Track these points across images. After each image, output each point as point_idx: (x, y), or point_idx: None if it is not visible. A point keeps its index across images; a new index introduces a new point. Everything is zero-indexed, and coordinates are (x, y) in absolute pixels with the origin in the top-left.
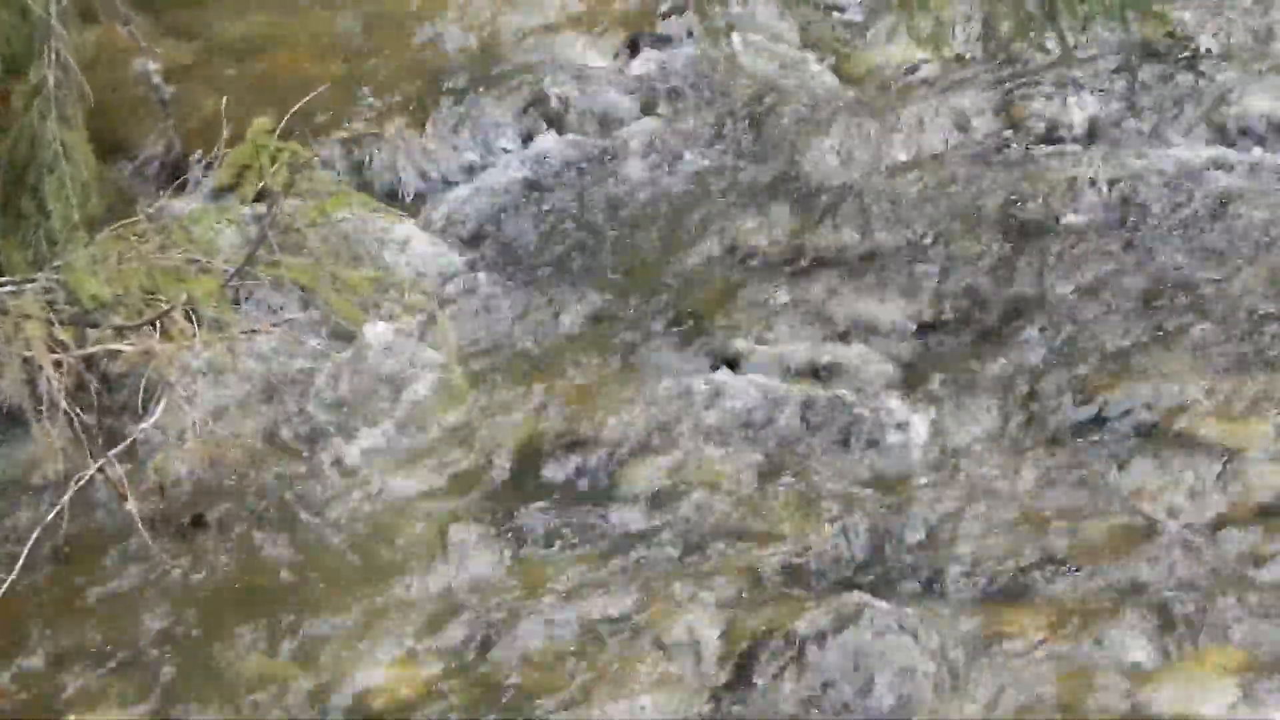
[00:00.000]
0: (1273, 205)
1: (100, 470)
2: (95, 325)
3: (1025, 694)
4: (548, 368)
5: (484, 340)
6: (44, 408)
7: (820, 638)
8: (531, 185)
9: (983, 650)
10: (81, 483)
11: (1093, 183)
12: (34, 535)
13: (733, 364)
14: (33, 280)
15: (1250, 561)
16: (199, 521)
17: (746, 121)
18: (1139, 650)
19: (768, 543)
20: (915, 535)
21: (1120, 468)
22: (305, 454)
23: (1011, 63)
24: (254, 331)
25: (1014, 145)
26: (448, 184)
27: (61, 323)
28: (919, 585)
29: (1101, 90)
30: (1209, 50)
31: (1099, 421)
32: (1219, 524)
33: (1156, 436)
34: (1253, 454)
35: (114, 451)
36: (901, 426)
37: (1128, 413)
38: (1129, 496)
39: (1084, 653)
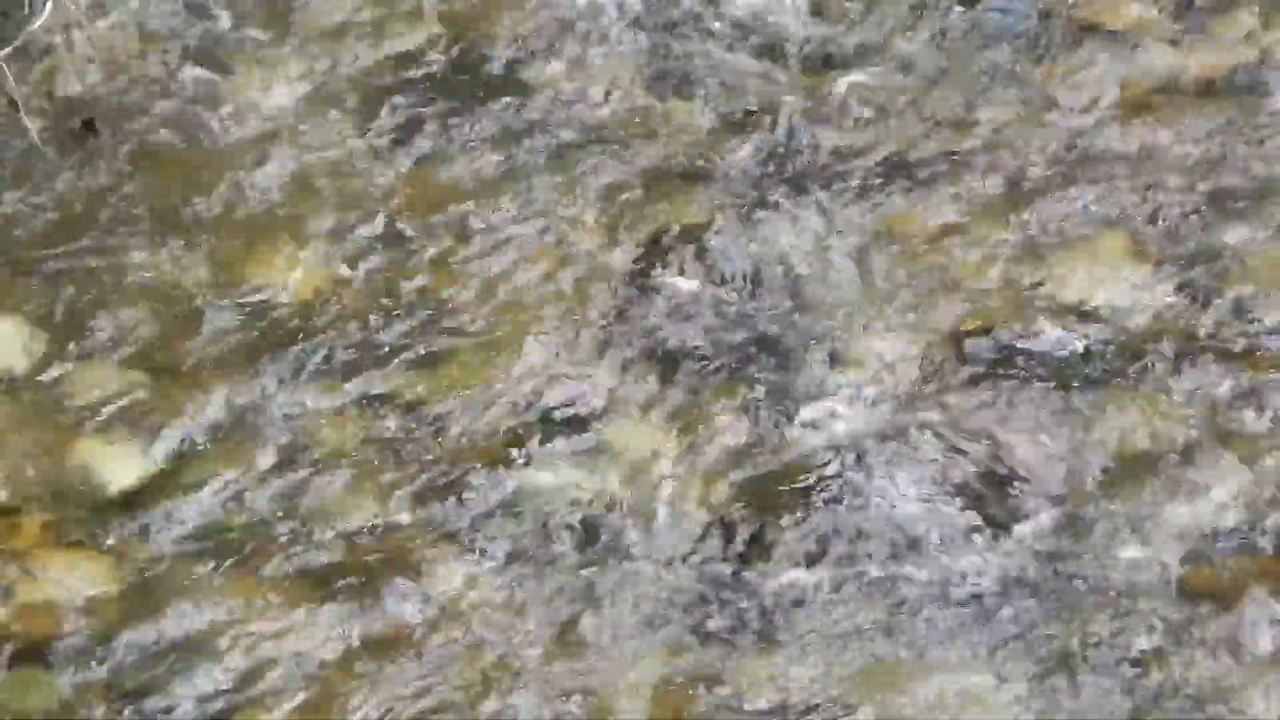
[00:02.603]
0: None
1: None
2: None
3: (925, 281)
4: None
5: None
6: None
7: (721, 231)
8: None
9: (884, 241)
10: None
11: None
12: None
13: None
14: None
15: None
16: (90, 126)
17: None
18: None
19: (667, 142)
20: (813, 132)
21: (1020, 53)
22: (196, 61)
23: None
24: None
25: None
26: None
27: None
28: (818, 183)
29: None
30: None
31: (1000, 10)
32: (1110, 107)
33: (1056, 23)
34: (1147, 40)
35: (2, 54)
36: (801, 26)
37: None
38: (1030, 81)
39: (985, 240)
